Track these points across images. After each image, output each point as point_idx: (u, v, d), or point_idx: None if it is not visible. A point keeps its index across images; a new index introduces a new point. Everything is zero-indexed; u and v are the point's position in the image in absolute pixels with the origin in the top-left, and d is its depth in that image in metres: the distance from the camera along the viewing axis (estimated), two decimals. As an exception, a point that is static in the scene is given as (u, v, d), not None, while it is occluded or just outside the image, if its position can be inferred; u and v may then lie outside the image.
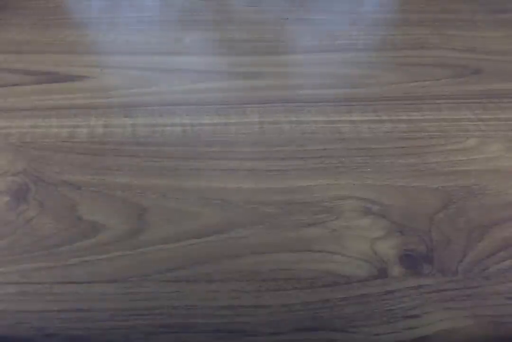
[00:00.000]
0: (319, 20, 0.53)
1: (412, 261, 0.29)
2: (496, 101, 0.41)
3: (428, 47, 0.48)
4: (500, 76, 0.44)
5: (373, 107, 0.40)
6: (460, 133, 0.38)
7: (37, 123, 0.38)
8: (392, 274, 0.28)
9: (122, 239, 0.30)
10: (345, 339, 0.25)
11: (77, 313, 0.26)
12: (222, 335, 0.26)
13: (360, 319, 0.26)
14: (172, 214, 0.31)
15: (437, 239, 0.30)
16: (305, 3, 0.57)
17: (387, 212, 0.31)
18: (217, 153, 0.36)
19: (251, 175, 0.34)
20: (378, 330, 0.26)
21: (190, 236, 0.30)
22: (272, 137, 0.37)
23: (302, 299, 0.27)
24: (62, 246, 0.30)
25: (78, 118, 0.39)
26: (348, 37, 0.50)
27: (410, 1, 0.57)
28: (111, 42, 0.49)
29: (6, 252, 0.29)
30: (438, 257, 0.29)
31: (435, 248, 0.29)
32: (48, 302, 0.27)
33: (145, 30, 0.51)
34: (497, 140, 0.37)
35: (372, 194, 0.33)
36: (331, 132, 0.38)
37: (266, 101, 0.41)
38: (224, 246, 0.30)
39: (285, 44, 0.49)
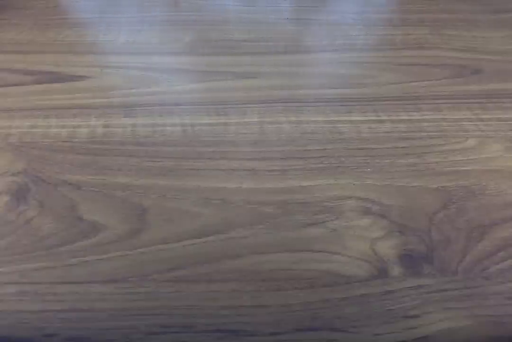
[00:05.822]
0: (319, 20, 0.53)
1: (412, 261, 0.29)
2: (496, 101, 0.41)
3: (428, 47, 0.48)
4: (500, 76, 0.44)
5: (373, 107, 0.40)
6: (460, 133, 0.38)
7: (37, 123, 0.38)
8: (392, 274, 0.28)
9: (122, 239, 0.30)
10: (345, 339, 0.25)
11: (77, 313, 0.26)
12: (222, 335, 0.26)
13: (360, 319, 0.26)
14: (172, 214, 0.31)
15: (437, 239, 0.30)
16: (305, 3, 0.57)
17: (387, 212, 0.31)
18: (217, 153, 0.36)
19: (251, 174, 0.34)
20: (378, 330, 0.26)
21: (190, 236, 0.30)
22: (272, 137, 0.37)
23: (302, 299, 0.27)
24: (62, 246, 0.30)
25: (78, 118, 0.39)
26: (348, 37, 0.50)
27: (410, 1, 0.57)
28: (111, 42, 0.49)
29: (6, 252, 0.29)
30: (438, 257, 0.29)
31: (435, 248, 0.29)
32: (48, 302, 0.27)
33: (145, 30, 0.51)
34: (497, 140, 0.37)
35: (372, 194, 0.33)
36: (331, 132, 0.38)
37: (266, 101, 0.41)
38: (224, 246, 0.30)
39: (285, 44, 0.49)
